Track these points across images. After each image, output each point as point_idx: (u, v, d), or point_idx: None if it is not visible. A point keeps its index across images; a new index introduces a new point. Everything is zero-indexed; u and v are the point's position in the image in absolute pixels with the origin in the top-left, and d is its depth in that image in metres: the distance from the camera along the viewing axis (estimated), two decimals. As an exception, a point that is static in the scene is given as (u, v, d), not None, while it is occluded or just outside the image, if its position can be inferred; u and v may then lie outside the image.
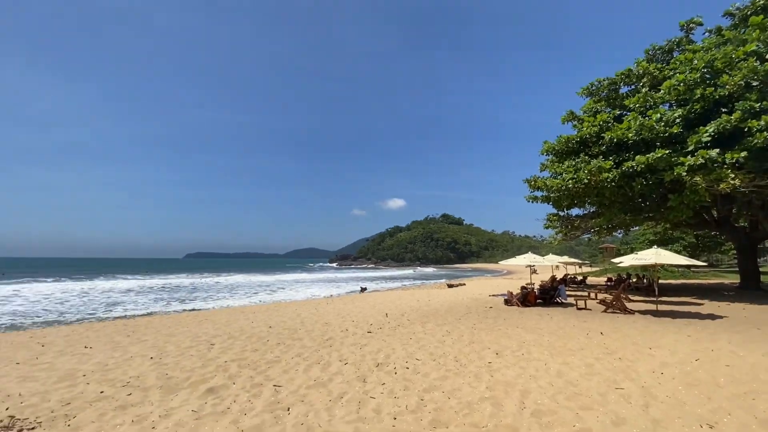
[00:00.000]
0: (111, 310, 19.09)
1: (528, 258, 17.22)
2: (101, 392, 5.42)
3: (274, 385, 5.55)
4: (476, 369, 6.17)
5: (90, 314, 17.73)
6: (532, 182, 18.39)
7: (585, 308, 13.43)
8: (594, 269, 46.92)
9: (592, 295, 17.12)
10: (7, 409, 4.87)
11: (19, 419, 4.52)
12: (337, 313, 13.48)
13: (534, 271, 19.03)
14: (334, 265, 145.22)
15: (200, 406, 4.83)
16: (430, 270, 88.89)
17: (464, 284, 29.83)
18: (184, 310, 18.48)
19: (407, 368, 6.27)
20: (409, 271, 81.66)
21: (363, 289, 29.79)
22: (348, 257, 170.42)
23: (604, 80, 20.32)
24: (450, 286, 28.12)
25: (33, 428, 4.26)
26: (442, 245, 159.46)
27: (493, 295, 19.09)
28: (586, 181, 15.61)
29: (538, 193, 18.84)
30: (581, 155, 17.37)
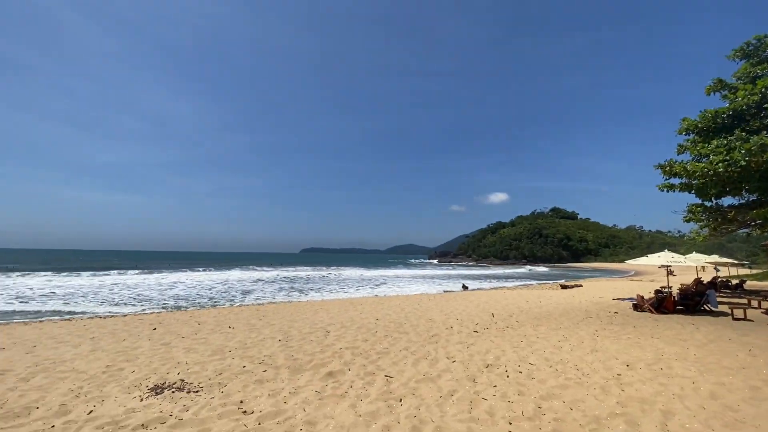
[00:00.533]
0: (245, 297, 22.19)
1: (663, 257, 14.77)
2: (243, 367, 6.32)
3: (386, 376, 5.79)
4: (602, 380, 5.53)
5: (230, 299, 20.89)
6: (667, 168, 15.59)
7: (744, 319, 10.99)
8: (755, 271, 38.05)
9: (754, 302, 13.90)
10: (178, 373, 5.99)
11: (188, 383, 5.53)
12: (440, 310, 13.47)
13: (670, 273, 15.98)
14: (435, 261, 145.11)
15: (322, 387, 5.29)
16: (542, 269, 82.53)
17: (581, 285, 27.02)
18: (300, 300, 20.47)
19: (520, 372, 5.93)
20: (515, 270, 77.22)
21: (465, 287, 29.17)
22: (447, 254, 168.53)
23: (766, 37, 16.21)
24: (564, 287, 25.76)
25: (197, 391, 5.16)
26: (553, 242, 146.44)
27: (618, 299, 16.89)
28: (743, 163, 12.68)
29: (675, 181, 15.93)
30: (736, 131, 14.17)
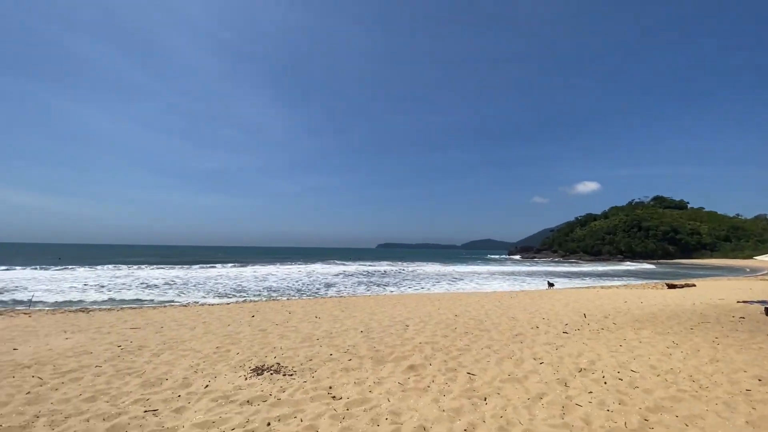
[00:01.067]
0: (328, 290, 23.54)
1: (809, 253, 12.11)
2: (330, 355, 6.72)
3: (468, 373, 5.70)
4: (726, 395, 4.78)
5: (315, 292, 22.34)
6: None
7: None
8: None
9: None
10: (275, 357, 6.59)
11: (283, 366, 6.06)
12: (523, 308, 12.80)
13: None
14: (516, 257, 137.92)
15: (404, 380, 5.39)
16: (646, 266, 73.45)
17: (693, 285, 23.56)
18: (379, 294, 21.04)
19: (620, 379, 5.40)
20: (610, 267, 70.09)
21: (551, 285, 27.30)
22: (530, 249, 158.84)
23: None
24: (671, 286, 22.72)
25: (292, 375, 5.63)
26: (656, 235, 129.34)
27: (745, 302, 14.40)
28: None
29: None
30: None
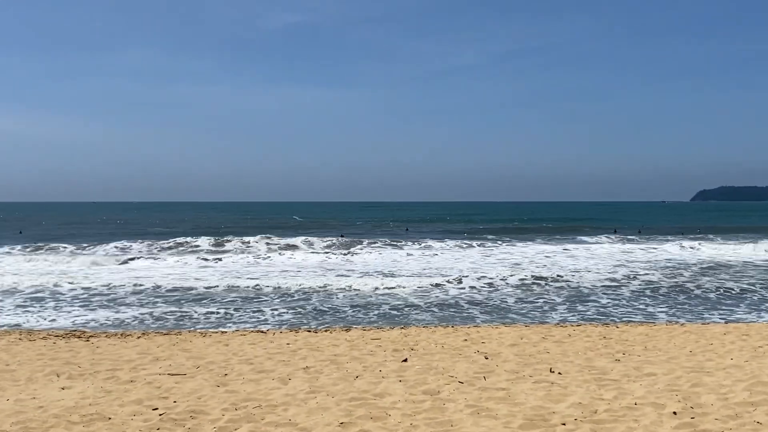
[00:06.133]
0: (573, 306, 15.47)
1: None
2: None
3: None
4: None
5: (541, 309, 15.16)
6: None
7: None
8: None
9: None
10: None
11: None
12: None
13: None
14: None
15: None
16: None
17: None
18: (703, 321, 13.45)
19: None
20: None
21: None
22: None
23: None
24: None
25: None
26: None
27: None
28: None
29: None
30: None
